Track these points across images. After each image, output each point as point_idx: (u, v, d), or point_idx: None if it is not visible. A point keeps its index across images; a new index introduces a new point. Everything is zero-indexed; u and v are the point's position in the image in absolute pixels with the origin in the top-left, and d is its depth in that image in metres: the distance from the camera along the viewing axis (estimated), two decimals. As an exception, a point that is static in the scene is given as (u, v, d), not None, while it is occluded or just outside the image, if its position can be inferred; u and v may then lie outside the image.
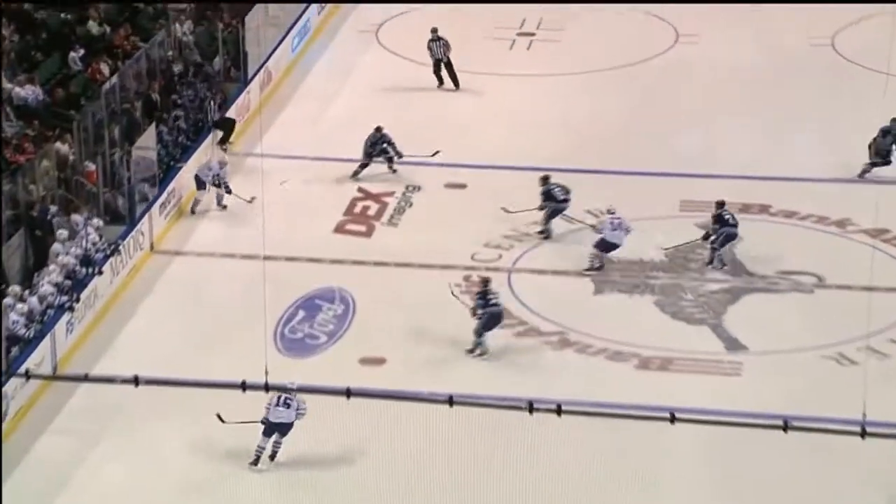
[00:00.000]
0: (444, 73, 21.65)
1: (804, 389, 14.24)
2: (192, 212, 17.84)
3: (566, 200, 17.19)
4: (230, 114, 19.54)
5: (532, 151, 19.13)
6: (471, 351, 14.91)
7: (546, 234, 17.20)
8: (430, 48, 22.10)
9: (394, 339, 15.10)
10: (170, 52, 19.91)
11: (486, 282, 15.29)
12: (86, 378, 13.10)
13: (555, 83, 21.85)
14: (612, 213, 16.63)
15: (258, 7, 21.55)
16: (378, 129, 18.74)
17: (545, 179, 17.32)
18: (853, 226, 17.05)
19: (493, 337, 14.97)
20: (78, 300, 15.01)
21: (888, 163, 18.38)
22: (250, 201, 17.51)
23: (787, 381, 14.42)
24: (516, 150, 19.27)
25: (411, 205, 17.89)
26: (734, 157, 18.91)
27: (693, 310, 15.74)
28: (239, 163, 18.78)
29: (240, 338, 14.70)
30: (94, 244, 15.76)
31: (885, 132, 18.46)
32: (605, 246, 16.48)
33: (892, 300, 15.46)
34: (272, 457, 13.25)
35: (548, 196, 17.20)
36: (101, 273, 15.61)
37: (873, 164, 18.35)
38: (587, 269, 16.45)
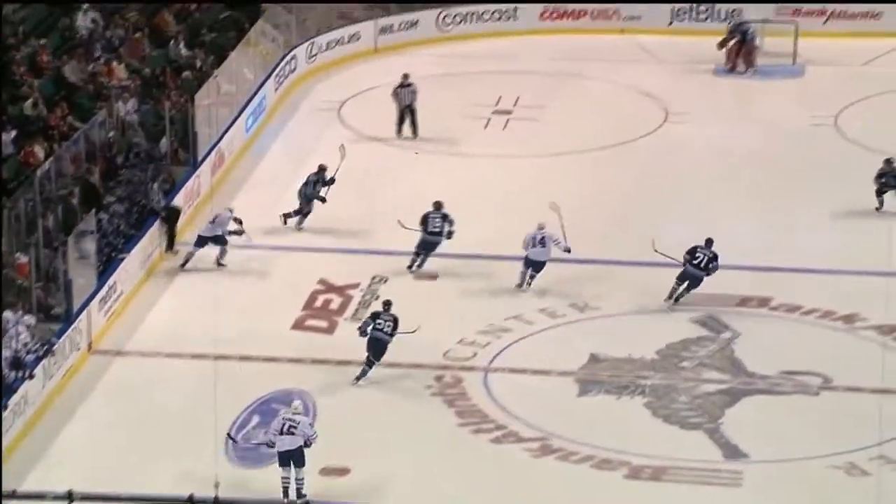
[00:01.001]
0: (406, 121, 22.65)
1: (811, 502, 14.27)
2: (182, 267, 18.56)
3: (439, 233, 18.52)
4: (178, 200, 19.66)
5: (510, 239, 19.31)
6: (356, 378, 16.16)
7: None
8: (396, 94, 23.03)
9: (359, 447, 15.08)
10: (111, 133, 20.05)
11: (386, 304, 16.37)
12: (14, 494, 12.99)
13: (534, 165, 22.15)
14: (541, 227, 18.01)
15: (209, 84, 21.84)
16: (321, 169, 19.86)
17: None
18: (862, 321, 17.20)
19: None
20: (5, 408, 14.93)
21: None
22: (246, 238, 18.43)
23: (792, 492, 14.43)
24: (493, 238, 19.45)
25: (377, 297, 17.97)
26: (731, 246, 19.05)
27: (688, 413, 15.81)
28: (187, 249, 18.88)
29: (187, 447, 14.64)
30: (24, 345, 15.73)
31: (879, 175, 19.81)
32: (528, 263, 17.94)
33: (906, 404, 15.56)
34: (299, 495, 13.90)
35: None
36: (32, 377, 15.56)
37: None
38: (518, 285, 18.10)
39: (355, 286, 18.26)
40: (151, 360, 16.88)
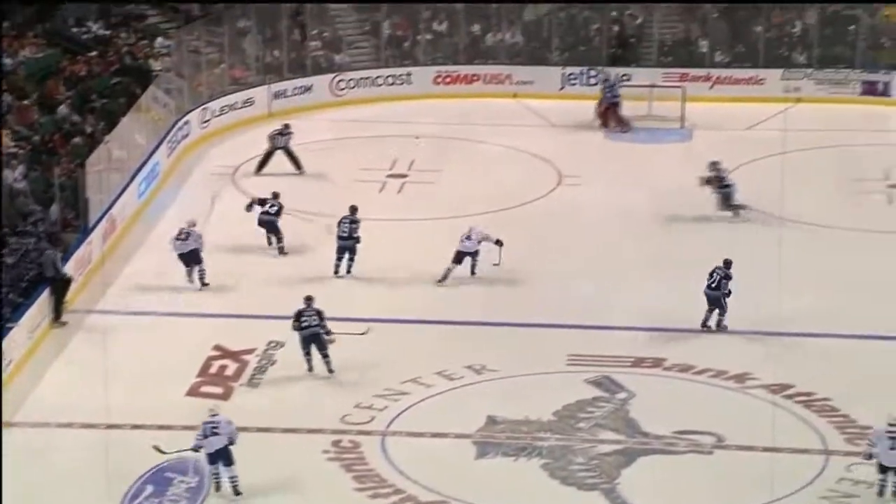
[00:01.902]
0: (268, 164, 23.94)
1: (707, 560, 14.42)
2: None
3: None
4: (69, 267, 19.35)
5: (406, 303, 19.37)
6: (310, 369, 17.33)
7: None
8: (272, 138, 24.17)
9: (255, 516, 14.90)
10: (-1, 201, 19.79)
11: (307, 299, 17.38)
12: None
13: (429, 228, 22.26)
14: (471, 229, 20.16)
15: (100, 150, 21.66)
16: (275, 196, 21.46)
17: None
18: (753, 380, 17.46)
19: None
20: None
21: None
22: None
23: (689, 551, 14.59)
24: (388, 302, 19.48)
25: (274, 363, 17.84)
26: (624, 307, 19.37)
27: (584, 474, 15.86)
28: (78, 322, 18.56)
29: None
30: None
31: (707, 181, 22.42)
32: (457, 256, 19.72)
33: (798, 463, 15.73)
34: (236, 491, 15.02)
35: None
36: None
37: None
38: (439, 280, 19.75)
39: (251, 352, 18.10)
40: (41, 430, 16.49)
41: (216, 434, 15.05)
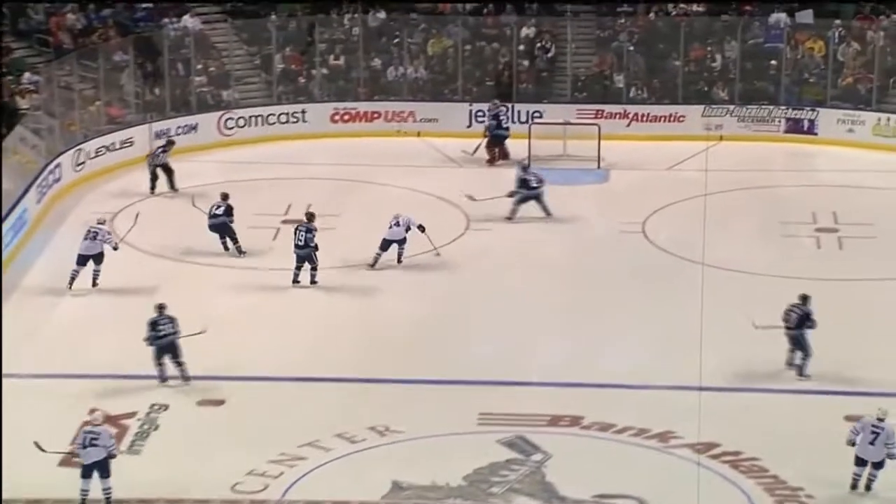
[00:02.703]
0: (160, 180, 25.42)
1: None
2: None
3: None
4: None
5: (308, 359, 19.34)
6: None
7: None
8: (154, 154, 25.59)
9: None
10: None
11: (159, 307, 18.58)
12: None
13: (333, 278, 22.31)
14: (397, 216, 22.62)
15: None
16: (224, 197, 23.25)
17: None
18: (677, 439, 17.63)
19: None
20: None
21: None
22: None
23: None
24: (288, 359, 19.43)
25: (157, 427, 17.68)
26: (539, 362, 19.51)
27: (499, 543, 15.93)
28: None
29: None
30: None
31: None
32: (384, 244, 22.02)
33: (725, 525, 15.95)
34: (108, 502, 15.81)
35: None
36: None
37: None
38: (370, 265, 22.11)
39: (131, 415, 17.93)
40: None
41: (94, 445, 15.70)
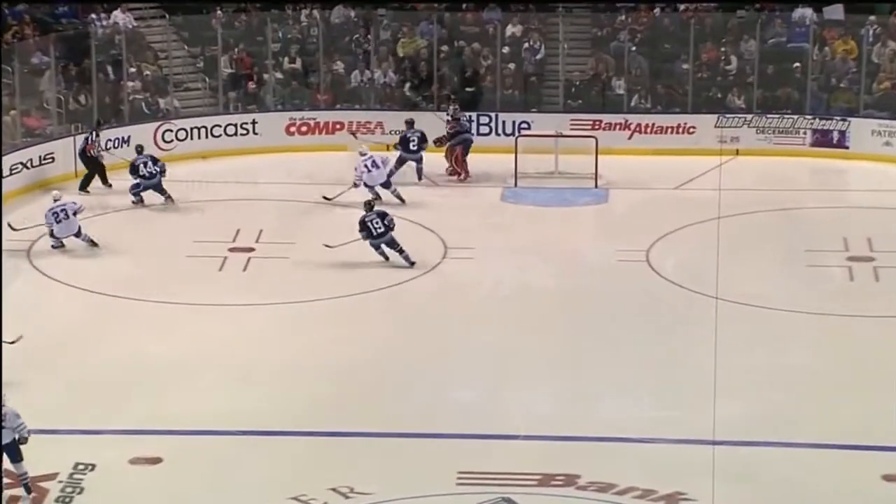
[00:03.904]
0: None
1: None
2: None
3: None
4: None
5: (258, 408, 19.24)
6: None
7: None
8: (90, 144, 27.04)
9: None
10: None
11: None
12: None
13: (283, 315, 22.23)
14: (364, 154, 26.53)
15: None
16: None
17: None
18: (688, 502, 17.61)
19: None
20: None
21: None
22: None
23: None
24: (233, 409, 19.33)
25: (82, 490, 17.58)
26: (528, 413, 19.44)
27: None
28: None
29: None
30: None
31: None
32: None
33: None
34: (28, 490, 16.58)
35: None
36: None
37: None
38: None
39: (51, 477, 17.82)
40: None
41: (1, 427, 16.35)
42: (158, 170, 26.71)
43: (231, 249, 24.63)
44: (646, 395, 19.82)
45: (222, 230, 25.29)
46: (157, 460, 18.13)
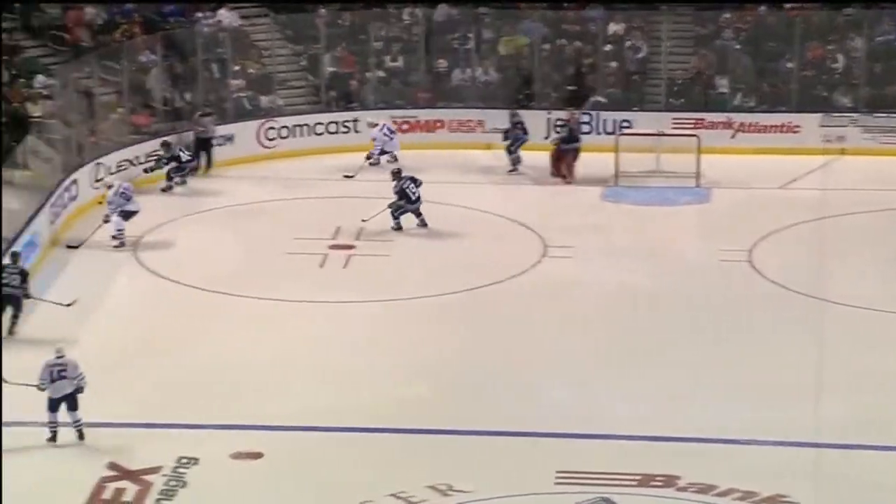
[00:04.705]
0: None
1: None
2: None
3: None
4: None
5: (352, 406, 19.38)
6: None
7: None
8: (199, 124, 27.12)
9: None
10: None
11: (13, 255, 21.07)
12: None
13: (384, 313, 22.34)
14: (376, 125, 28.00)
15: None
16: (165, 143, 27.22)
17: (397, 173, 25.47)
18: None
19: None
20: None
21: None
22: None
23: None
24: (332, 407, 19.47)
25: (185, 484, 17.79)
26: (627, 412, 19.41)
27: None
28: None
29: None
30: None
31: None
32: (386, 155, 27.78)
33: None
34: (80, 436, 18.01)
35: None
36: None
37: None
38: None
39: (156, 470, 18.06)
40: None
41: (63, 378, 17.84)
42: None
43: (331, 246, 24.80)
44: (747, 397, 19.69)
45: (323, 227, 25.46)
46: (258, 455, 18.32)
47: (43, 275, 23.18)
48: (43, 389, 17.95)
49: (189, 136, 28.07)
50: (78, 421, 18.07)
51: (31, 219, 23.82)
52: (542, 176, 28.25)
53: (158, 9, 31.00)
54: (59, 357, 18.13)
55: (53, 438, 18.14)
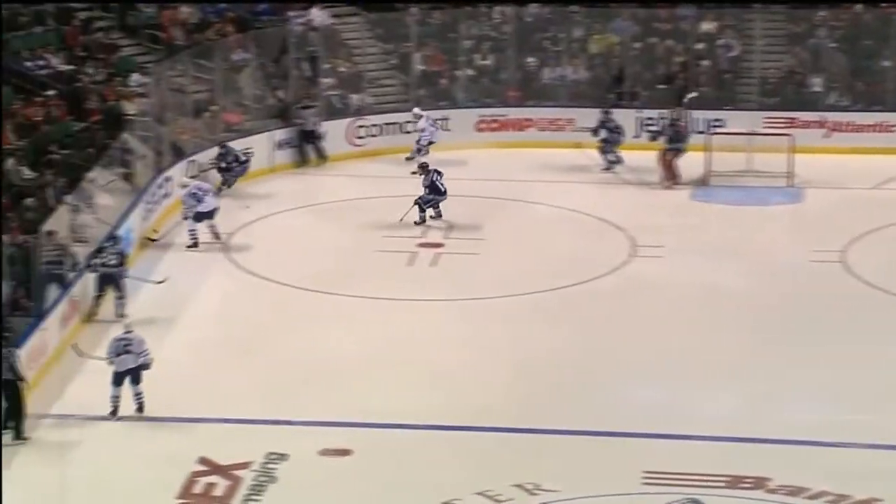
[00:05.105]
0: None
1: None
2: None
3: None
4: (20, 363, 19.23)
5: (443, 405, 19.40)
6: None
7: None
8: (299, 116, 27.22)
9: None
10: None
11: (113, 238, 22.02)
12: None
13: (471, 311, 22.36)
14: (421, 116, 28.79)
15: (59, 214, 21.92)
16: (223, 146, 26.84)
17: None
18: (885, 508, 17.41)
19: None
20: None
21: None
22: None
23: None
24: (421, 404, 19.52)
25: (274, 480, 17.89)
26: (716, 412, 19.31)
27: None
28: (31, 426, 18.69)
29: None
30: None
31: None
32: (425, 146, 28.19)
33: None
34: (140, 409, 18.68)
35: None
36: None
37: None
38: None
39: (246, 466, 18.19)
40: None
41: (128, 352, 18.52)
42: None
43: (420, 245, 24.86)
44: (838, 399, 19.53)
45: (412, 226, 25.51)
46: (346, 452, 18.40)
47: (135, 271, 23.38)
48: (111, 363, 18.63)
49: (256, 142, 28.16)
50: (139, 394, 18.70)
51: (124, 215, 24.05)
52: (632, 175, 28.12)
53: (251, 8, 31.20)
54: (126, 332, 18.82)
55: (115, 413, 18.67)
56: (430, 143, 28.76)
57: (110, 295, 21.90)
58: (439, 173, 25.69)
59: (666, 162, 27.77)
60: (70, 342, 20.39)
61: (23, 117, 25.62)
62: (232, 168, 26.97)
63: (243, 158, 27.35)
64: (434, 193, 25.49)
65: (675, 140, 27.96)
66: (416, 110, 28.93)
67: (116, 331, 19.28)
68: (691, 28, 30.78)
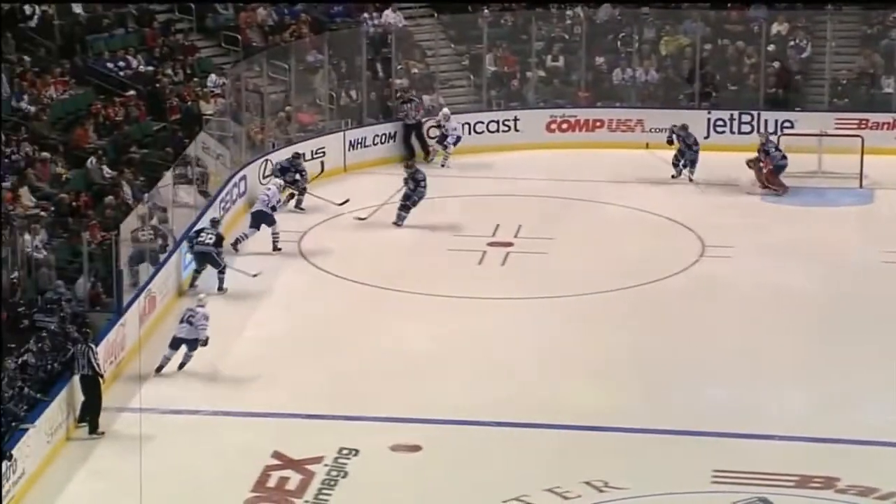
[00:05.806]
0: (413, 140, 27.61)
1: None
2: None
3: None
4: (98, 355, 19.39)
5: (509, 402, 19.41)
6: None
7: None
8: (401, 110, 27.29)
9: None
10: (15, 275, 20.14)
11: (213, 221, 23.04)
12: None
13: (540, 310, 22.35)
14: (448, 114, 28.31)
15: (138, 211, 22.10)
16: (296, 156, 26.37)
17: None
18: (952, 507, 17.25)
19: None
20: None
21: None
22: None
23: None
24: (491, 401, 19.54)
25: (346, 475, 17.97)
26: (786, 412, 19.22)
27: None
28: (106, 423, 18.87)
29: None
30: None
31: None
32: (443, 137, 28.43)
33: None
34: (181, 366, 19.93)
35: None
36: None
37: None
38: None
39: (318, 460, 18.27)
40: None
41: (190, 323, 19.79)
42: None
43: (490, 244, 24.86)
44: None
45: (483, 225, 25.52)
46: (416, 448, 18.45)
47: (210, 271, 23.53)
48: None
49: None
50: (189, 356, 19.96)
51: (201, 214, 24.20)
52: (701, 175, 27.95)
53: (326, 10, 31.31)
54: (198, 305, 20.03)
55: (159, 370, 19.90)
56: (458, 139, 28.83)
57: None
58: (421, 171, 25.96)
59: (769, 173, 27.32)
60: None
61: (104, 117, 25.87)
62: (296, 181, 26.64)
63: (304, 171, 26.88)
64: (418, 193, 25.57)
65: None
66: (445, 111, 28.94)
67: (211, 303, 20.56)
68: (762, 30, 30.57)
